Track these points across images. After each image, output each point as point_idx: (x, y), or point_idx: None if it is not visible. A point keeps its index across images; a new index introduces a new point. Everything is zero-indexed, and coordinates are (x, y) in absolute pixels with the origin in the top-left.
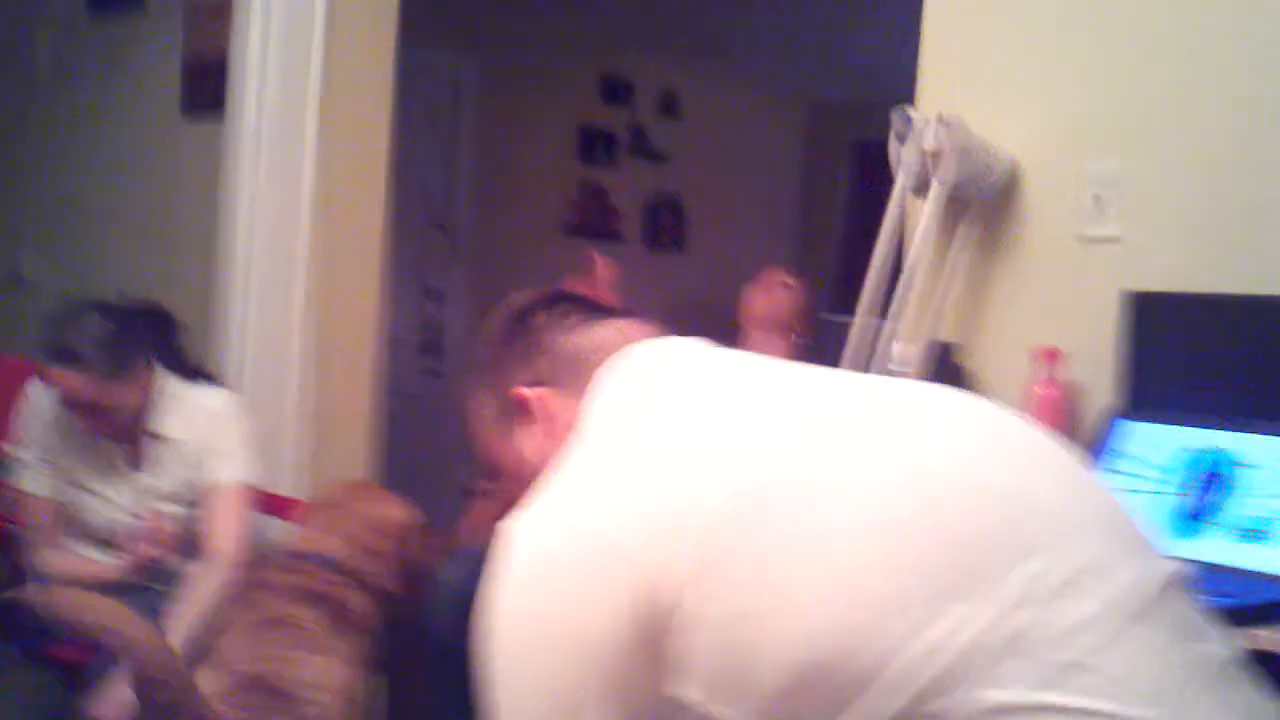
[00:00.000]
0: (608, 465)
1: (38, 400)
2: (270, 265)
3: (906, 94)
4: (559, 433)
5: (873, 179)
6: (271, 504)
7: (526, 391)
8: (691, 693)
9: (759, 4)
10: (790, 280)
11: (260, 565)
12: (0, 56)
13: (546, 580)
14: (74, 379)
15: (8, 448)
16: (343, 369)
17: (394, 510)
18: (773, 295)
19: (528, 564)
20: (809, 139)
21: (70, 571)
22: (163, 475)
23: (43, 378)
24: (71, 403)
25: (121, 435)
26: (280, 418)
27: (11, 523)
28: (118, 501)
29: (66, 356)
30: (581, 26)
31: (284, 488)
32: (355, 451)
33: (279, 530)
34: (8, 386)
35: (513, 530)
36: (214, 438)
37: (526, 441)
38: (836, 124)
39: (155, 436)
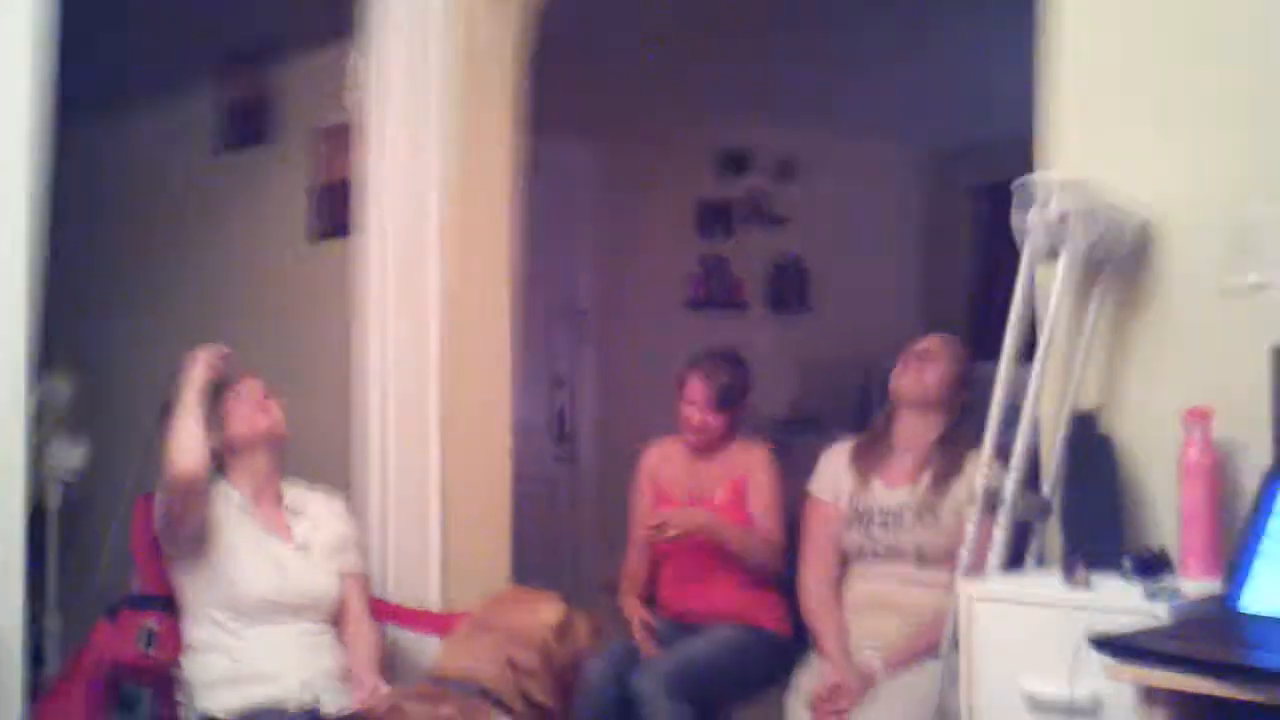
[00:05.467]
0: None
1: None
2: (404, 376)
3: (1025, 132)
4: None
5: (999, 222)
6: (413, 619)
7: None
8: None
9: (870, 61)
10: (936, 349)
11: (398, 693)
12: (141, 194)
13: None
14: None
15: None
16: (477, 466)
17: (540, 615)
18: (919, 372)
19: None
20: (929, 187)
21: None
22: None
23: None
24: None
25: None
26: (423, 523)
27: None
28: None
29: None
30: (693, 104)
31: (427, 599)
32: (492, 548)
33: (421, 647)
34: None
35: None
36: (343, 530)
37: None
38: (956, 169)
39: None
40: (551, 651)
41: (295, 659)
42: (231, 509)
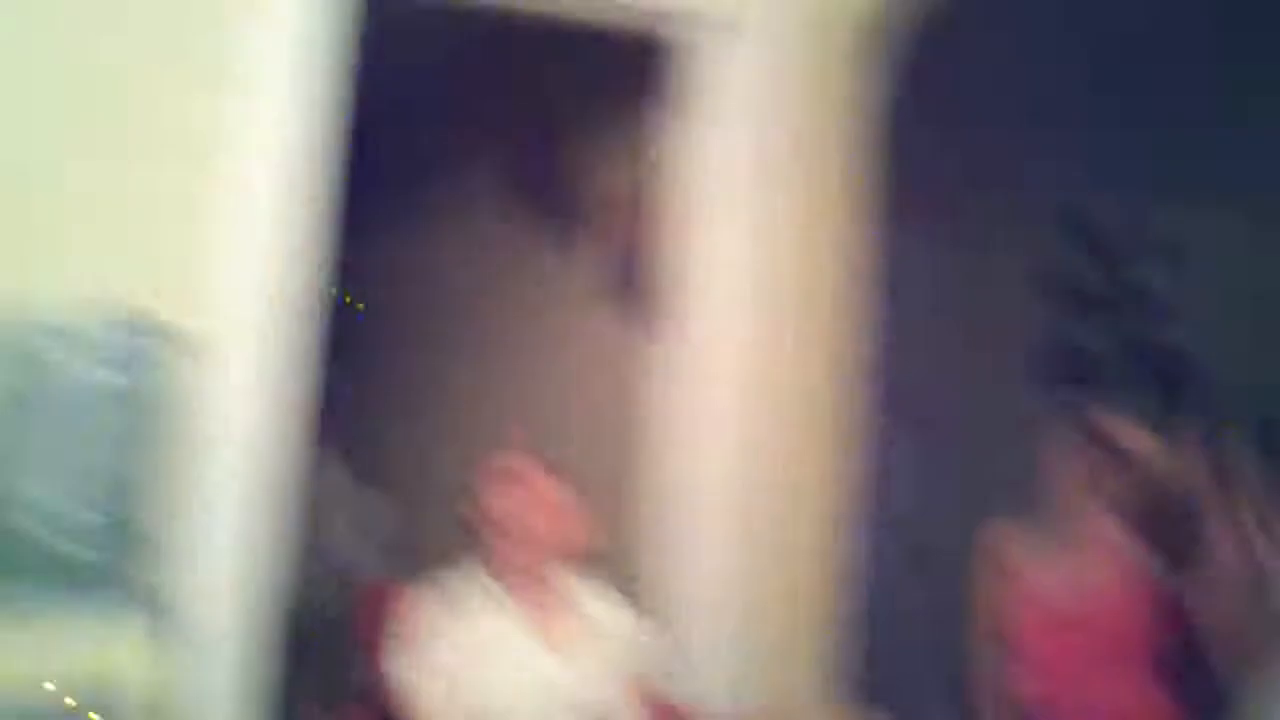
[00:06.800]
0: None
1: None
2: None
3: None
4: None
5: None
6: None
7: None
8: None
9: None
10: None
11: None
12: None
13: None
14: None
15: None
16: (792, 564)
17: None
18: None
19: None
20: None
21: None
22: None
23: None
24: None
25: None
26: (718, 619)
27: None
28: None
29: None
30: (1036, 167)
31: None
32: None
33: None
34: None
35: None
36: (627, 626)
37: None
38: None
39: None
40: None
41: None
42: (486, 604)
